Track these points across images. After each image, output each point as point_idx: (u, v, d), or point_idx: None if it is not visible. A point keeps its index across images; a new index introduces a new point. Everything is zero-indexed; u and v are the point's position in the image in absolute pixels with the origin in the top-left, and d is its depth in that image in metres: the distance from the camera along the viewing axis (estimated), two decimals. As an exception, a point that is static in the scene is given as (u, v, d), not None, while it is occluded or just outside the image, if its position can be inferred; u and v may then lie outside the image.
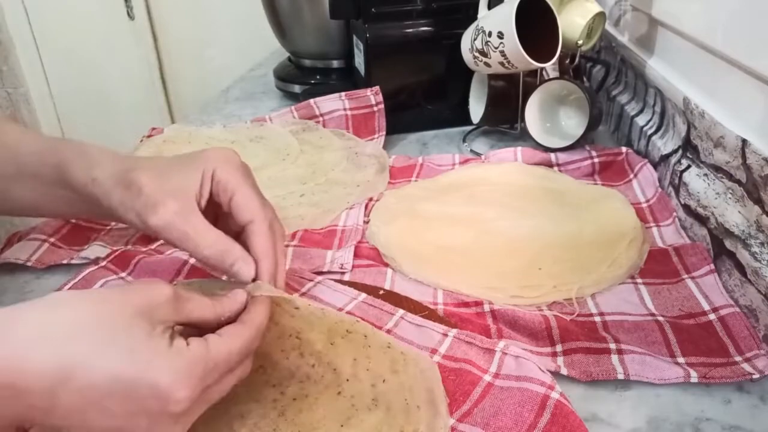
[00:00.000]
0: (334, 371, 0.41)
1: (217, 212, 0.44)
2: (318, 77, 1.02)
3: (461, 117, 0.86)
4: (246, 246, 0.42)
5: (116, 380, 0.30)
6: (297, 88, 1.01)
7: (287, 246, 0.58)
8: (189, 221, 0.40)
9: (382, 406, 0.38)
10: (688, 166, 0.59)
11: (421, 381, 0.40)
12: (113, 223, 0.65)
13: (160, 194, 0.41)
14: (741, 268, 0.47)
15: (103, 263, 0.55)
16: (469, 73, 0.84)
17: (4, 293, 0.55)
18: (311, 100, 0.84)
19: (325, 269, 0.55)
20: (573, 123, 0.78)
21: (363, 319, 0.45)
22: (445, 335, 0.44)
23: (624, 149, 0.71)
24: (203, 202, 0.42)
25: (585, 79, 0.93)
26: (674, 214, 0.60)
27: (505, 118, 0.83)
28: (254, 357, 0.39)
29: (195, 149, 0.77)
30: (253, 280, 0.41)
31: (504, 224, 0.60)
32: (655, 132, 0.70)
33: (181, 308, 0.34)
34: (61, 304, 0.31)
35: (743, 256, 0.47)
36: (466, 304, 0.50)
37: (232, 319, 0.37)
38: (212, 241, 0.40)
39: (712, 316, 0.46)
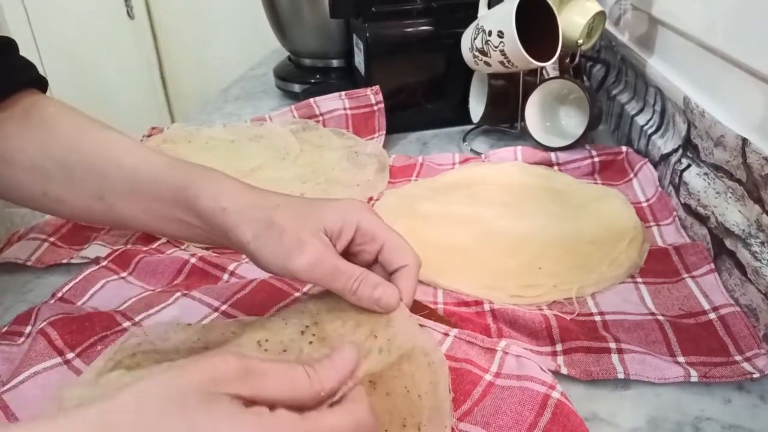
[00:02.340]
0: (330, 349, 0.38)
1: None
2: (318, 76, 1.02)
3: (461, 116, 0.86)
4: None
5: None
6: (297, 88, 1.01)
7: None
8: (337, 258, 0.39)
9: (381, 391, 0.37)
10: (689, 166, 0.59)
11: (427, 373, 0.39)
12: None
13: (304, 234, 0.39)
14: (741, 267, 0.47)
15: (104, 263, 0.55)
16: (469, 73, 0.84)
17: (4, 293, 0.55)
18: (311, 100, 0.84)
19: (325, 269, 0.55)
20: (573, 122, 0.78)
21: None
22: (446, 335, 0.44)
23: (624, 148, 0.71)
24: (341, 248, 0.41)
25: (585, 78, 0.93)
26: (674, 213, 0.60)
27: (505, 118, 0.83)
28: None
29: (195, 149, 0.78)
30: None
31: (504, 224, 0.60)
32: (656, 131, 0.70)
33: (254, 384, 0.28)
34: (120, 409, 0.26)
35: (743, 255, 0.47)
36: (466, 304, 0.50)
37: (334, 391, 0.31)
38: (360, 273, 0.40)
39: (712, 316, 0.46)
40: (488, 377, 0.41)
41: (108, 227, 0.64)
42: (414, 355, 0.39)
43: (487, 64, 0.76)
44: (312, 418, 0.28)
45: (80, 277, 0.54)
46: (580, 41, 0.75)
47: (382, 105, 0.82)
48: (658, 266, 0.53)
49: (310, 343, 0.38)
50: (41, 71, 0.50)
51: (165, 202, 0.43)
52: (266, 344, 0.38)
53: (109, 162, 0.45)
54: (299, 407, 0.29)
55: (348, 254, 0.42)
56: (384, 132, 0.82)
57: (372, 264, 0.43)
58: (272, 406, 0.28)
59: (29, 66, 0.49)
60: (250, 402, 0.28)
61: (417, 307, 0.47)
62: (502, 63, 0.73)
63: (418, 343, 0.40)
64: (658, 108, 0.70)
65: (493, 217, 0.61)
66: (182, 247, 0.60)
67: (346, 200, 0.43)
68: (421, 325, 0.45)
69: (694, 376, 0.41)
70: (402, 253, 0.42)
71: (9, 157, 0.46)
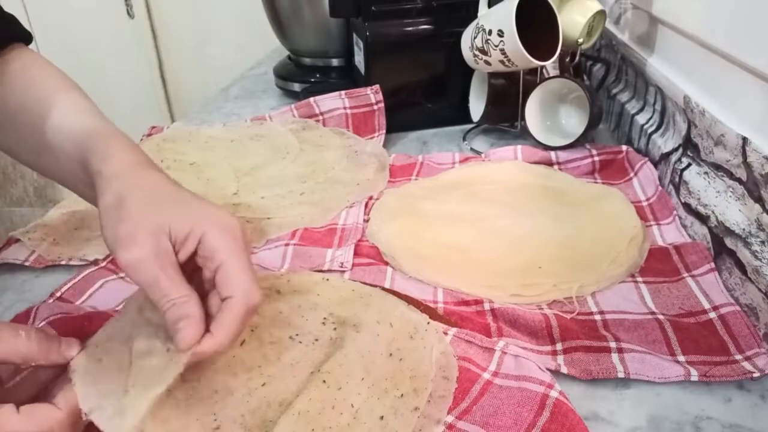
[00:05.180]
0: (353, 326, 0.43)
1: (194, 270, 0.40)
2: (318, 76, 1.02)
3: (461, 115, 0.86)
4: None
5: None
6: (297, 87, 1.01)
7: (287, 245, 0.58)
8: (163, 269, 0.36)
9: (395, 359, 0.41)
10: (689, 165, 0.59)
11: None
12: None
13: (142, 230, 0.37)
14: (741, 266, 0.47)
15: (103, 264, 0.55)
16: (469, 72, 0.84)
17: (3, 292, 0.55)
18: (311, 99, 0.84)
19: (325, 268, 0.55)
20: (573, 121, 0.78)
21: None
22: (446, 334, 0.44)
23: (624, 148, 0.71)
24: (183, 257, 0.38)
25: (585, 77, 0.93)
26: (674, 212, 0.60)
27: (505, 117, 0.83)
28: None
29: (195, 148, 0.78)
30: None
31: (504, 223, 0.60)
32: (656, 130, 0.69)
33: None
34: None
35: (744, 254, 0.47)
36: (466, 303, 0.50)
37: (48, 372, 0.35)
38: (178, 296, 0.36)
39: (712, 315, 0.46)
40: (486, 375, 0.41)
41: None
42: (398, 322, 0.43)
43: (487, 63, 0.76)
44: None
45: (79, 277, 0.54)
46: (581, 40, 0.75)
47: (382, 104, 0.82)
48: (659, 265, 0.53)
49: None
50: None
51: (77, 163, 0.44)
52: None
53: (46, 121, 0.47)
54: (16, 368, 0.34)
55: (195, 265, 0.39)
56: (384, 131, 0.82)
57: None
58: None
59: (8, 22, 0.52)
60: None
61: (415, 306, 0.47)
62: (502, 62, 0.73)
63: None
64: (658, 107, 0.70)
65: (493, 216, 0.61)
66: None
67: (209, 209, 0.40)
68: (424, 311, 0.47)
69: (695, 375, 0.41)
70: (232, 283, 0.37)
71: None
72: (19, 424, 0.31)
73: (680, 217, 0.59)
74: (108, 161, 0.41)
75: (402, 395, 0.38)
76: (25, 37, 0.53)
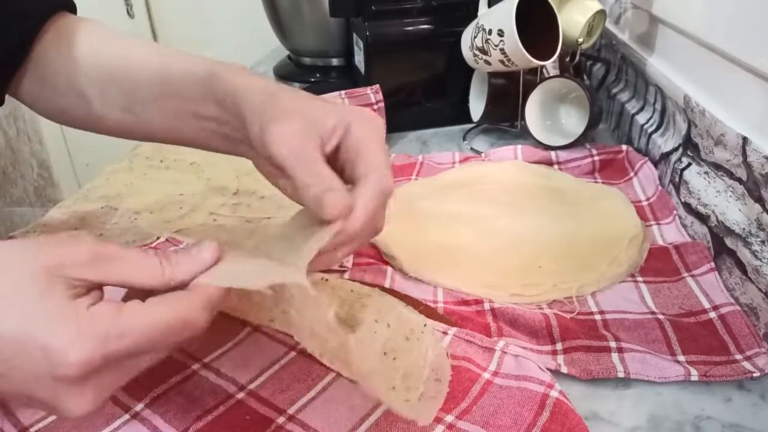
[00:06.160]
0: (351, 327, 0.42)
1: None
2: (318, 75, 1.02)
3: (461, 115, 0.86)
4: None
5: (3, 339, 0.27)
6: (297, 86, 1.01)
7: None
8: (314, 148, 0.36)
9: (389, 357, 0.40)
10: (689, 164, 0.59)
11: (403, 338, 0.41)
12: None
13: (296, 111, 0.38)
14: (741, 266, 0.47)
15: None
16: (469, 71, 0.84)
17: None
18: (311, 99, 0.84)
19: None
20: (573, 121, 0.78)
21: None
22: (445, 333, 0.44)
23: (624, 147, 0.71)
24: (329, 148, 0.38)
25: (585, 77, 0.93)
26: (675, 212, 0.60)
27: (505, 116, 0.83)
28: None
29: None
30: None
31: (504, 222, 0.60)
32: (656, 130, 0.69)
33: (103, 269, 0.30)
34: None
35: (744, 254, 0.47)
36: (466, 303, 0.50)
37: (185, 283, 0.32)
38: (327, 172, 0.36)
39: (712, 315, 0.46)
40: (486, 375, 0.41)
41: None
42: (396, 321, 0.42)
43: (487, 62, 0.76)
44: (130, 314, 0.29)
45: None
46: (581, 40, 0.75)
47: (382, 104, 0.82)
48: (659, 265, 0.53)
49: None
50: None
51: (187, 97, 0.44)
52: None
53: (136, 67, 0.46)
54: (148, 294, 0.31)
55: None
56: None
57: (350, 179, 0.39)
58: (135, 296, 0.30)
59: None
60: (97, 286, 0.30)
61: (414, 306, 0.47)
62: (502, 62, 0.73)
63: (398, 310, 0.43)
64: (658, 107, 0.70)
65: (493, 216, 0.61)
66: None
67: (353, 107, 0.41)
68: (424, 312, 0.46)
69: (695, 375, 0.41)
70: (370, 163, 0.37)
71: (61, 89, 0.49)
72: (149, 315, 0.29)
73: (680, 217, 0.59)
74: (246, 78, 0.41)
75: None
76: (71, 6, 0.53)
